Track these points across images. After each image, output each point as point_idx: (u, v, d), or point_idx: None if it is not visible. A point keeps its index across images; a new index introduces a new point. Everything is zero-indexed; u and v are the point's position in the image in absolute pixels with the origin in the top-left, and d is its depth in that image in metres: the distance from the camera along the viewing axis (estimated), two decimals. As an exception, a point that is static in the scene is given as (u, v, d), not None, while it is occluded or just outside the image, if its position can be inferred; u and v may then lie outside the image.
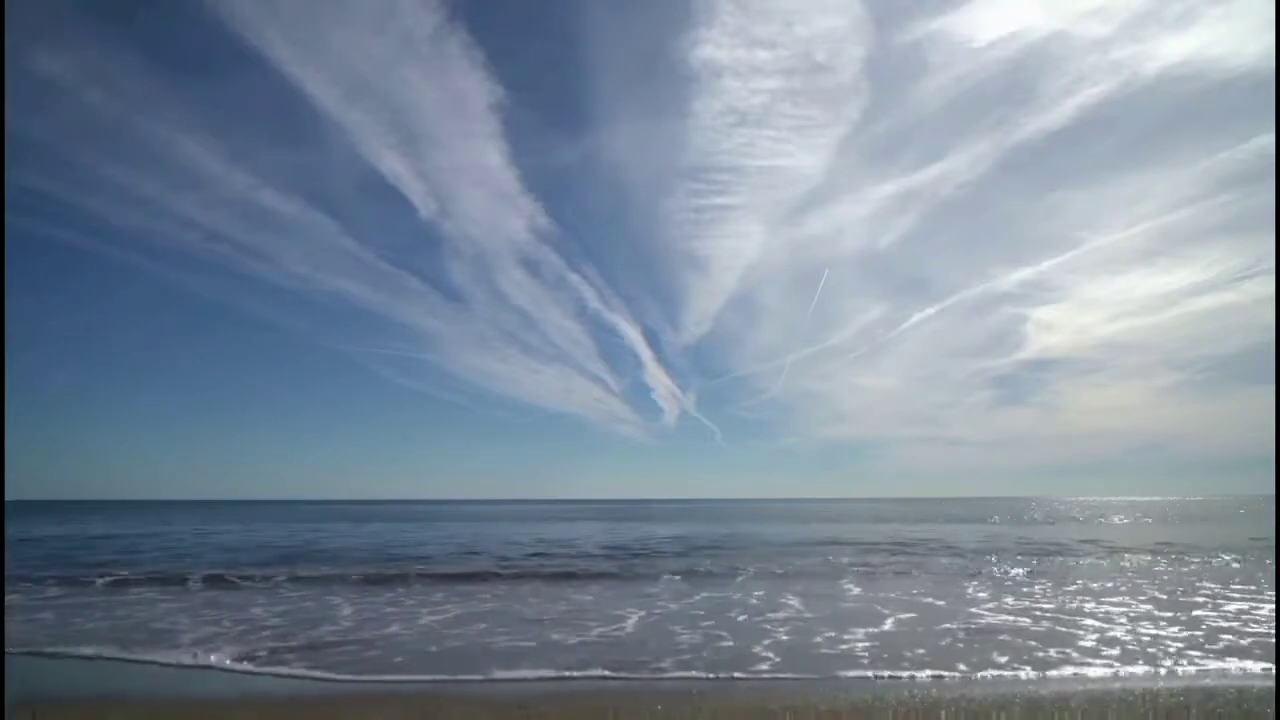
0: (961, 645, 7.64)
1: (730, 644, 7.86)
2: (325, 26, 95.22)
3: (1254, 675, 6.37)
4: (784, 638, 8.23)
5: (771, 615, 9.89)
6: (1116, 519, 43.49)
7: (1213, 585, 12.59)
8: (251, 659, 7.31)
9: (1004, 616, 9.60)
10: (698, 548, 21.97)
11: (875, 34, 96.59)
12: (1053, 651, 7.33)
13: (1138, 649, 7.43)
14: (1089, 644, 7.72)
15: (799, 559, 18.21)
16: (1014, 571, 15.32)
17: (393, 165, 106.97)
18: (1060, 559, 17.74)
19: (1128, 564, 16.63)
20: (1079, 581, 13.49)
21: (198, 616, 10.20)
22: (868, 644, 7.77)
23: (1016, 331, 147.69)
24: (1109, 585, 12.81)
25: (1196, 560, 17.00)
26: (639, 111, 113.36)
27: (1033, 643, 7.78)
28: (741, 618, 9.73)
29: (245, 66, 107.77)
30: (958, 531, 30.62)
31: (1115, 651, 7.32)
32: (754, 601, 11.16)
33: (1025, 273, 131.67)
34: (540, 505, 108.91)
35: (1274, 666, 6.68)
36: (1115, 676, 6.31)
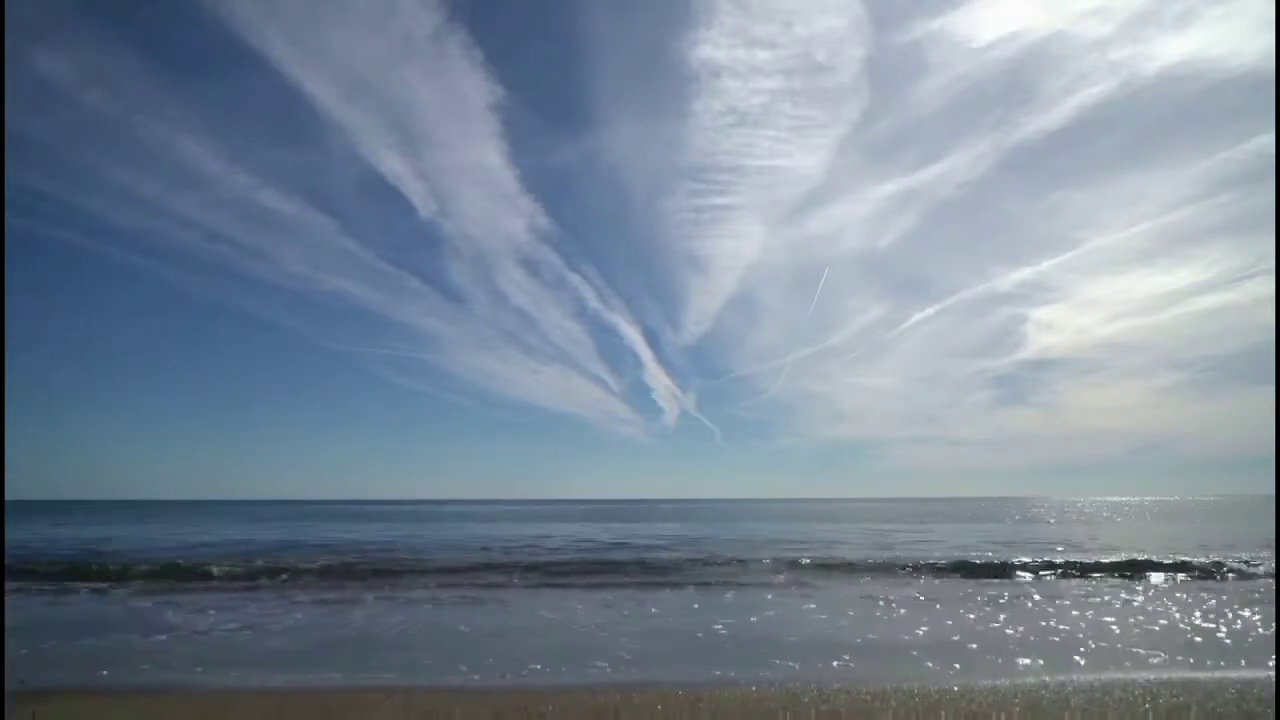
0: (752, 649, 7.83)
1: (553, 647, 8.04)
2: (325, 26, 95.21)
3: (1254, 675, 6.36)
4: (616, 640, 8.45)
5: (652, 614, 10.22)
6: (1113, 520, 43.49)
7: (1120, 593, 12.38)
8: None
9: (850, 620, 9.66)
10: (672, 548, 22.05)
11: (875, 34, 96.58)
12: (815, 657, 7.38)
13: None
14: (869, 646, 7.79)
15: (758, 560, 17.90)
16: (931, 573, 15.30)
17: (393, 165, 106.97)
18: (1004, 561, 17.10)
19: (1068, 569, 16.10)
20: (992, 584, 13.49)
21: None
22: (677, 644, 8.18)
23: (1016, 331, 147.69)
24: (1021, 593, 12.71)
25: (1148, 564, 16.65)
26: (639, 112, 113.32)
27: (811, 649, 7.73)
28: (621, 614, 10.11)
29: (245, 66, 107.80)
30: (942, 533, 30.59)
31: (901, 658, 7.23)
32: (653, 603, 11.43)
33: (1025, 273, 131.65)
34: (539, 505, 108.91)
35: (1274, 666, 6.68)
36: (1115, 677, 6.31)
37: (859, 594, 12.24)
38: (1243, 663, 6.97)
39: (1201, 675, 6.38)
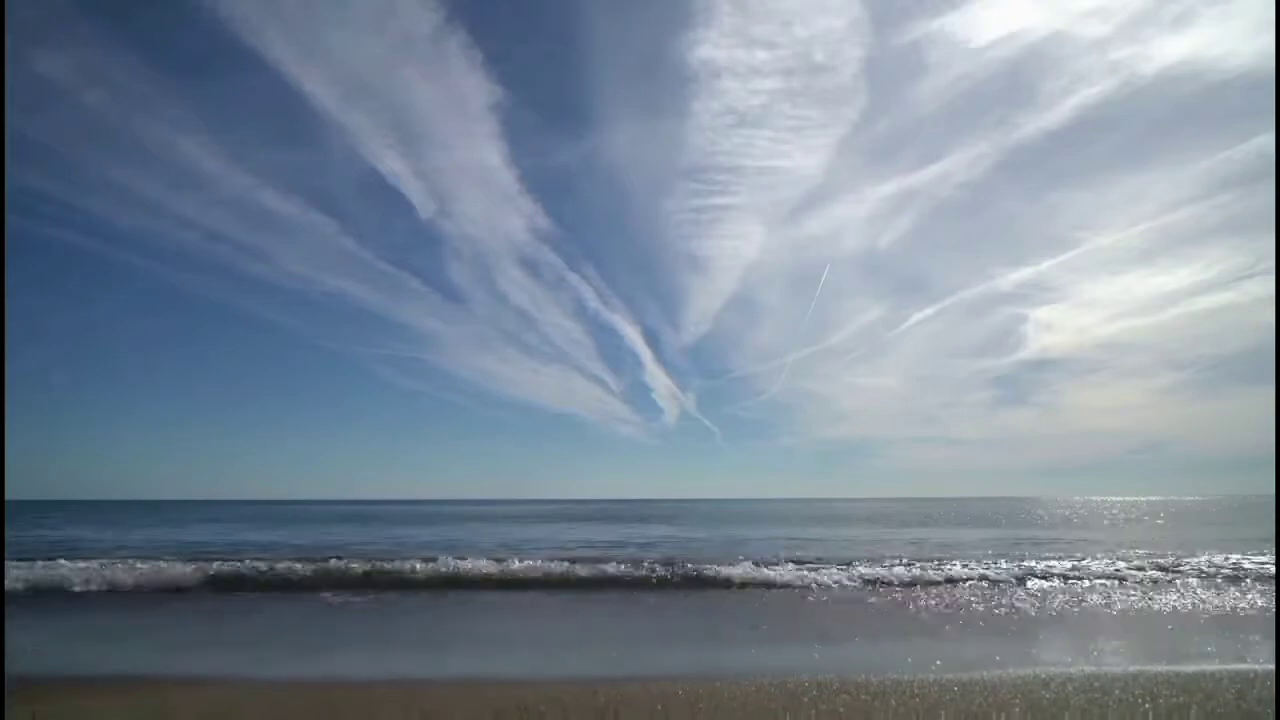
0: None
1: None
2: (324, 26, 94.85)
3: (1254, 675, 6.36)
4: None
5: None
6: (1104, 519, 43.49)
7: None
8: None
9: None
10: (633, 549, 22.15)
11: (874, 34, 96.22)
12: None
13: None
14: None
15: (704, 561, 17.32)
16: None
17: (392, 165, 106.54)
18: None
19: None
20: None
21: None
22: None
23: (1016, 331, 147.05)
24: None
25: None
26: (638, 112, 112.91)
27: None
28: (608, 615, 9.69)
29: (245, 66, 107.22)
30: (913, 535, 30.59)
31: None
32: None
33: (1025, 273, 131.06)
34: (539, 506, 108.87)
35: (1274, 666, 6.68)
36: (1115, 676, 6.31)
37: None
38: (1241, 662, 6.97)
39: (1202, 674, 6.37)
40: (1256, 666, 6.74)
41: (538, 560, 16.55)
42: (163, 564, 14.87)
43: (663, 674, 6.58)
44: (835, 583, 13.10)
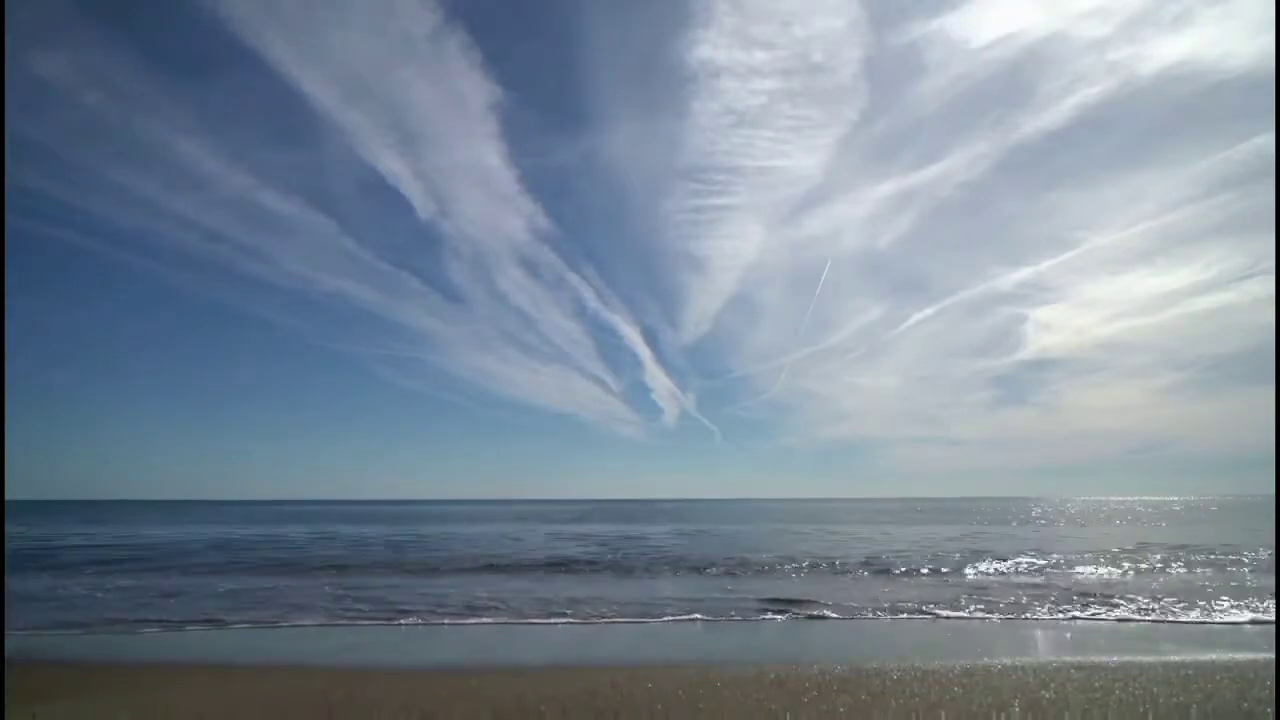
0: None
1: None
2: (324, 27, 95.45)
3: (1254, 675, 6.36)
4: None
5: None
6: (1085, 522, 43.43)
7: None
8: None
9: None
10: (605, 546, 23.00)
11: (873, 35, 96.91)
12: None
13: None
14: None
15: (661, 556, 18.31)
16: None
17: (391, 165, 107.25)
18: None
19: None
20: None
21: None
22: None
23: (1016, 331, 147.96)
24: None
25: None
26: (637, 112, 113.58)
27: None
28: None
29: (244, 67, 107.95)
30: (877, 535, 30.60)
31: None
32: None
33: (1024, 273, 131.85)
34: (536, 506, 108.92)
35: (1274, 666, 6.68)
36: (1115, 676, 6.31)
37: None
38: (1241, 662, 6.97)
39: (1202, 674, 6.37)
40: (1257, 658, 6.74)
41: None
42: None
43: (661, 671, 6.58)
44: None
